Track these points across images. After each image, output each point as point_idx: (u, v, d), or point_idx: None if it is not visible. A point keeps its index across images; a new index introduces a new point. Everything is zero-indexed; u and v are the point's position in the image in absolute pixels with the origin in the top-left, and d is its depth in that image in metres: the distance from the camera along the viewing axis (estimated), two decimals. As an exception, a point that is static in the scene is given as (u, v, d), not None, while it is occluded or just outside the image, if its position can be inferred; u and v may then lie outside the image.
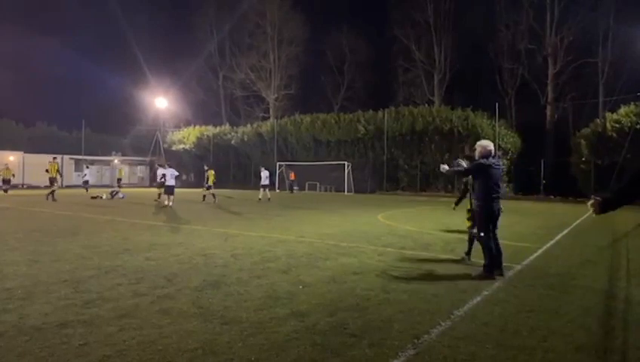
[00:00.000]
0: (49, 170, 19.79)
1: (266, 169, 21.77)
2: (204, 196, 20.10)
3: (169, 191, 16.39)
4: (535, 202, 22.75)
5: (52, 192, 19.15)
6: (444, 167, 6.06)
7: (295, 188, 32.79)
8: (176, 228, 10.27)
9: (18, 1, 50.02)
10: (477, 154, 5.83)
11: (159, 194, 18.79)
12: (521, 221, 12.78)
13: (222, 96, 46.70)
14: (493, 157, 5.78)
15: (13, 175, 24.34)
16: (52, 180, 19.79)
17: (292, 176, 33.06)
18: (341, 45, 43.54)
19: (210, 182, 19.75)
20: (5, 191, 23.43)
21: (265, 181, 20.97)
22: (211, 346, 3.34)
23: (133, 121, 45.63)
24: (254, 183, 34.64)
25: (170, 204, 16.25)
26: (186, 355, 3.18)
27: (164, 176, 16.80)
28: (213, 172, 20.14)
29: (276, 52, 43.36)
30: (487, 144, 5.82)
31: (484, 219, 5.69)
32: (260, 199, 20.55)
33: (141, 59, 41.90)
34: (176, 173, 17.06)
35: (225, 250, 7.36)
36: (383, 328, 3.77)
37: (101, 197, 20.81)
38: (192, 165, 41.35)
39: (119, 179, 23.74)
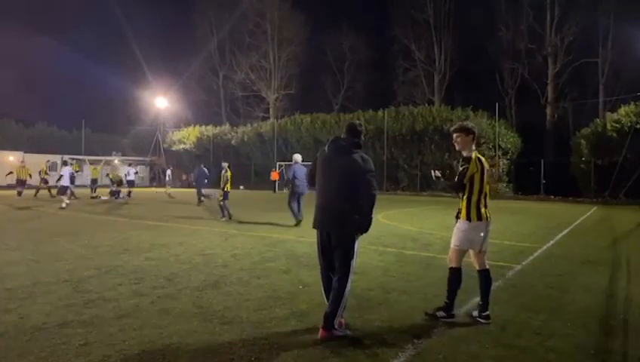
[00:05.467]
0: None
1: (204, 167, 18.90)
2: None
3: (63, 191, 15.77)
4: (535, 202, 22.74)
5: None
6: None
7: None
8: (176, 228, 10.27)
9: (18, 1, 49.99)
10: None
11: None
12: (521, 221, 12.78)
13: (222, 96, 46.62)
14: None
15: (30, 175, 21.01)
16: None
17: (274, 176, 31.48)
18: (341, 45, 43.41)
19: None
20: (19, 193, 20.69)
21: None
22: (211, 346, 3.35)
23: (133, 121, 45.57)
24: (254, 183, 34.73)
25: (63, 205, 15.16)
26: (186, 355, 3.19)
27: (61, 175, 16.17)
28: (75, 167, 21.81)
29: (276, 52, 43.29)
30: (296, 156, 11.08)
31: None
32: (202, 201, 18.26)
33: (141, 58, 41.78)
34: (68, 173, 16.29)
35: (225, 250, 7.36)
36: (383, 328, 3.77)
37: (100, 197, 20.76)
38: (192, 165, 41.35)
39: (95, 180, 22.73)
